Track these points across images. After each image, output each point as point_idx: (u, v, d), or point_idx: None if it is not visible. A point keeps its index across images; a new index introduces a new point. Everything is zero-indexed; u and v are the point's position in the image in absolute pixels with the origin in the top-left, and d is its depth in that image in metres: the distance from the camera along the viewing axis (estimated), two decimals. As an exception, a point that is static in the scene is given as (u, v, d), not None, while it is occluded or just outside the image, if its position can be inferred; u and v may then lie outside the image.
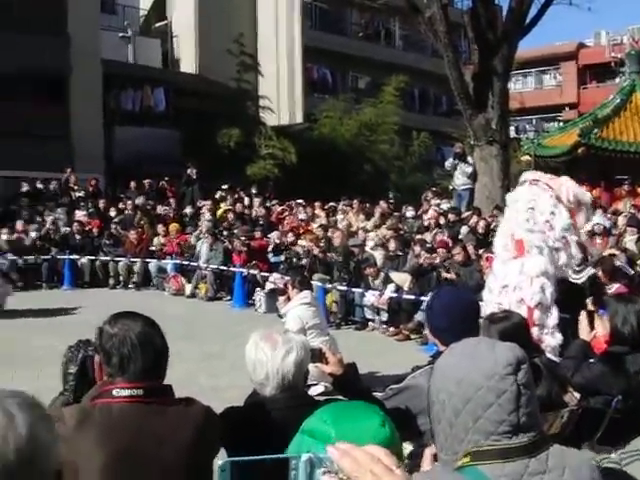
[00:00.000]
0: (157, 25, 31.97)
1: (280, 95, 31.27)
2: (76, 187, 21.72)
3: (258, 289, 15.14)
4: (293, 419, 2.44)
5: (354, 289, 13.46)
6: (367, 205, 19.99)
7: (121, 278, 17.58)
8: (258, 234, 17.26)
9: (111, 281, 17.61)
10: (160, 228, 18.54)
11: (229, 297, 15.93)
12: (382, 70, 33.08)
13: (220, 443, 2.65)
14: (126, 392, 2.41)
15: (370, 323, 13.23)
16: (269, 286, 14.73)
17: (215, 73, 28.50)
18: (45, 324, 12.36)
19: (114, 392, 2.41)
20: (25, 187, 21.25)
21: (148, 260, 17.60)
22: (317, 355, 3.08)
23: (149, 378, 2.46)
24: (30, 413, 1.43)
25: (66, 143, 24.25)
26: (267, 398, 2.83)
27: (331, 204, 20.63)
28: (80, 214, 19.61)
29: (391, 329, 12.66)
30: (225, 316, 14.18)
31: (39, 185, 21.67)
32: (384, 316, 12.95)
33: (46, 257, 17.54)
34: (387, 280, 13.10)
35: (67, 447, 1.57)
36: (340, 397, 3.11)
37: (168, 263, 17.43)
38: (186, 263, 17.14)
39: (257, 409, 2.81)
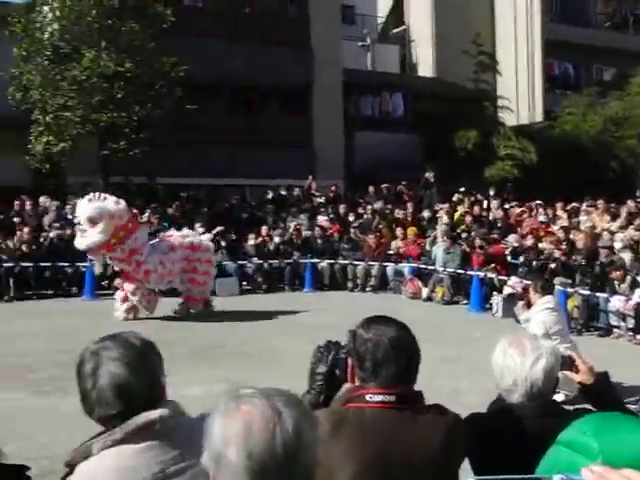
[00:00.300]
0: (395, 31, 32.46)
1: (519, 93, 30.50)
2: (317, 193, 22.54)
3: (495, 293, 14.79)
4: (541, 429, 2.29)
5: (598, 293, 12.73)
6: (613, 205, 18.85)
7: (359, 281, 17.95)
8: (496, 237, 16.91)
9: (349, 284, 18.03)
10: (398, 232, 18.71)
11: (466, 301, 15.72)
12: (630, 60, 30.93)
13: (465, 451, 2.56)
14: (379, 397, 2.38)
15: (615, 330, 12.43)
16: (507, 290, 14.33)
17: (452, 75, 28.38)
18: (287, 325, 12.89)
19: (367, 397, 2.40)
20: (270, 194, 22.44)
21: (386, 264, 17.82)
22: (567, 363, 2.90)
23: (401, 383, 2.42)
24: (296, 410, 1.51)
25: (308, 151, 25.30)
26: (514, 405, 2.69)
27: (573, 205, 19.71)
28: (322, 219, 20.28)
29: (638, 337, 11.81)
30: (461, 320, 13.99)
31: (283, 192, 22.77)
32: (631, 323, 12.09)
33: (289, 261, 18.33)
34: (635, 284, 12.25)
35: (323, 450, 1.58)
36: (588, 407, 2.90)
37: (405, 266, 17.54)
38: (423, 266, 17.15)
39: (503, 417, 2.68)
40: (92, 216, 12.14)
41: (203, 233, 18.06)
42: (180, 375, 7.83)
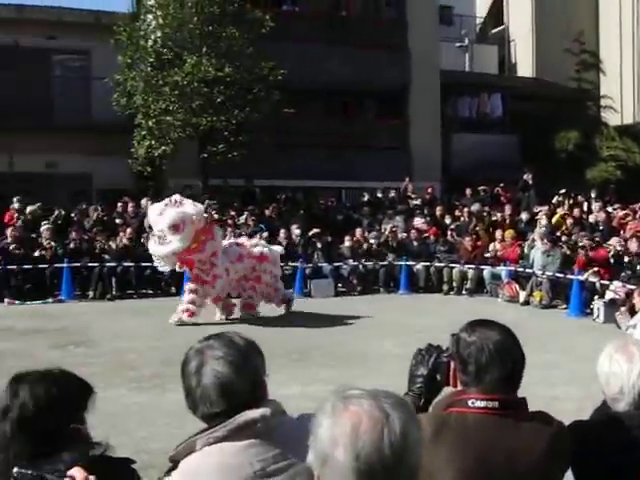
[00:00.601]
0: (494, 31, 31.97)
1: (624, 92, 29.49)
2: (413, 195, 22.42)
3: (596, 298, 14.35)
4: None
5: None
6: None
7: (454, 284, 17.76)
8: (597, 239, 16.43)
9: (445, 287, 17.87)
10: (497, 234, 18.41)
11: (565, 305, 15.32)
12: None
13: (569, 459, 2.49)
14: (482, 403, 2.35)
15: None
16: (609, 295, 13.89)
17: (553, 74, 27.72)
18: (382, 327, 12.86)
19: (469, 402, 2.36)
20: (366, 196, 22.47)
21: (482, 267, 17.58)
22: (677, 371, 2.78)
23: (505, 389, 2.38)
24: (403, 412, 1.51)
25: (405, 153, 25.19)
26: (621, 414, 2.59)
27: (681, 207, 18.96)
28: (418, 221, 20.16)
29: None
30: (560, 325, 13.65)
31: (379, 194, 22.77)
32: None
33: (383, 263, 18.31)
34: None
35: (424, 454, 1.58)
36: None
37: (503, 270, 17.24)
38: (521, 270, 16.81)
39: (609, 426, 2.58)
40: (175, 222, 11.93)
41: (299, 235, 18.31)
42: (277, 375, 7.94)
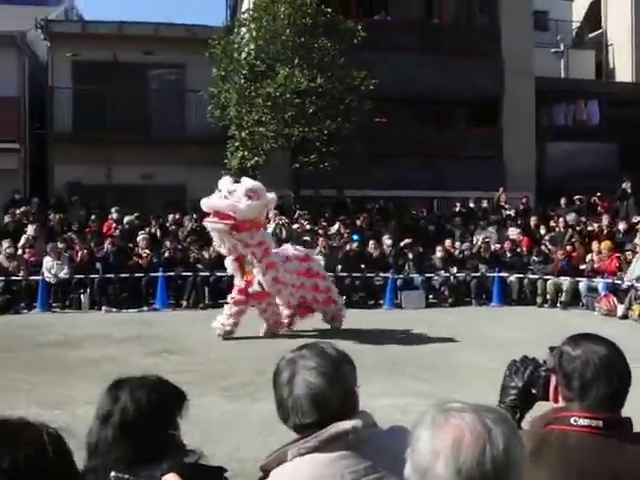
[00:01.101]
0: (590, 36, 31.15)
1: None
2: (507, 205, 22.03)
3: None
4: None
5: None
6: None
7: (548, 296, 17.32)
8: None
9: (538, 299, 17.46)
10: (594, 245, 17.85)
11: (666, 319, 14.73)
12: None
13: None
14: (585, 422, 2.23)
15: None
16: None
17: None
18: (473, 339, 12.65)
19: (572, 420, 2.26)
20: (458, 207, 22.21)
21: (578, 279, 17.09)
22: None
23: (610, 407, 2.26)
24: (505, 427, 1.47)
25: (498, 162, 24.75)
26: None
27: None
28: (514, 232, 19.77)
29: None
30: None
31: (471, 204, 22.46)
32: None
33: (476, 274, 18.02)
34: None
35: (525, 472, 1.53)
36: None
37: (600, 282, 16.71)
38: (619, 282, 16.26)
39: None
40: (253, 189, 12.02)
41: (391, 246, 18.25)
42: (367, 386, 7.89)
